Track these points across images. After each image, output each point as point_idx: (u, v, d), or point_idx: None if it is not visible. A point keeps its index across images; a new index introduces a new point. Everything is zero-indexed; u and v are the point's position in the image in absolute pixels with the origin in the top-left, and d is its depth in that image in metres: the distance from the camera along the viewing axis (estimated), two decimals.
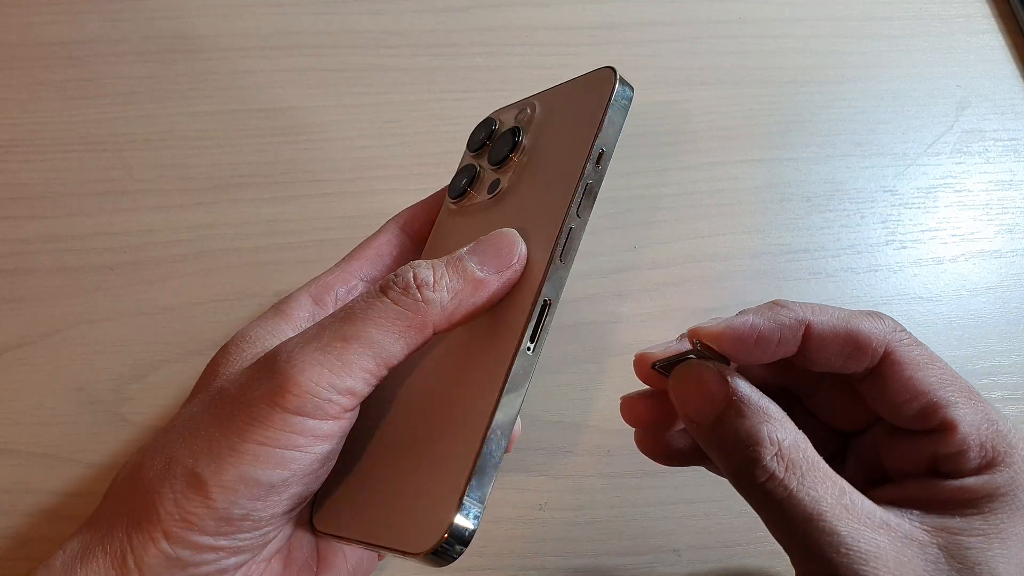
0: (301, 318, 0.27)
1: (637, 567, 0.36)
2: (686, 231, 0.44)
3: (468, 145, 0.29)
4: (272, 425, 0.21)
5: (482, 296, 0.23)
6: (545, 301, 0.23)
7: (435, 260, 0.24)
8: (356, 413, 0.23)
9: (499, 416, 0.22)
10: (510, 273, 0.24)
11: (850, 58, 0.49)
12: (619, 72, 0.24)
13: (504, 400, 0.22)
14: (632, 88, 0.25)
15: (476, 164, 0.28)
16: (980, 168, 0.47)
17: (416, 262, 0.24)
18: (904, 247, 0.44)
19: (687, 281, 0.42)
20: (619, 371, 0.40)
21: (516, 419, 0.22)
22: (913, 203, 0.45)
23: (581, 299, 0.42)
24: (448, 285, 0.23)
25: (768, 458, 0.21)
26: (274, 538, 0.24)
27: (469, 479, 0.21)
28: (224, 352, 0.26)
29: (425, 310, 0.23)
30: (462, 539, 0.21)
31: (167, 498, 0.22)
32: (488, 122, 0.29)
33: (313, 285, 0.28)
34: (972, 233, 0.45)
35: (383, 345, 0.22)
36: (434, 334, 0.23)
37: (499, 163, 0.27)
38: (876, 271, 0.43)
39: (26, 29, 0.47)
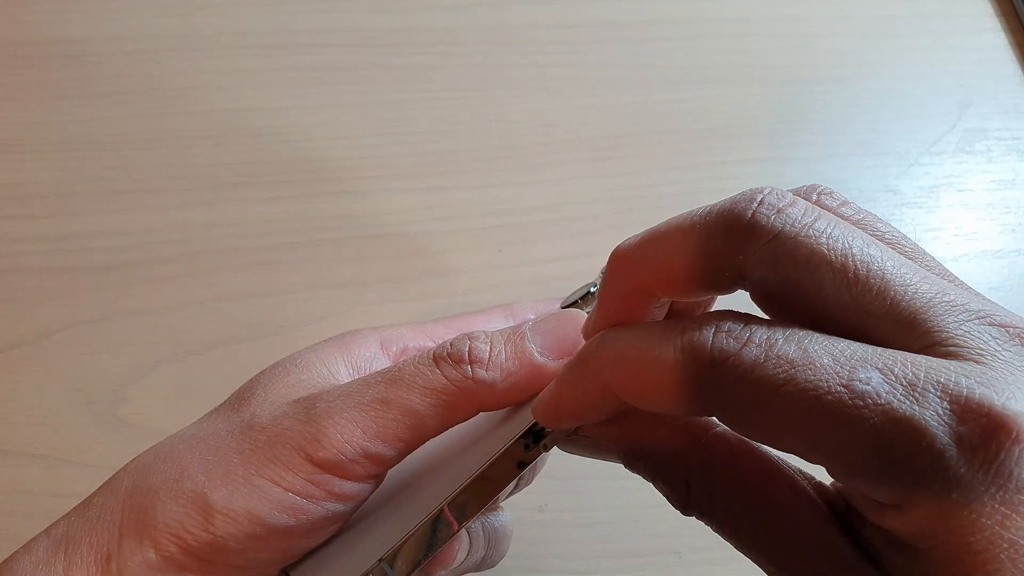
0: (362, 357, 0.26)
1: (638, 568, 0.35)
2: None
3: (561, 305, 0.29)
4: (292, 469, 0.21)
5: (538, 382, 0.22)
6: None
7: (495, 332, 0.23)
8: (381, 480, 0.23)
9: (458, 501, 0.20)
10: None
11: (852, 57, 0.49)
12: None
13: (470, 490, 0.20)
14: None
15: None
16: (983, 167, 0.46)
17: (476, 332, 0.23)
18: None
19: None
20: None
21: (477, 516, 0.20)
22: (915, 203, 0.45)
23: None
24: (503, 366, 0.22)
25: None
26: None
27: (397, 550, 0.20)
28: (272, 369, 0.25)
29: (474, 389, 0.22)
30: None
31: (169, 510, 0.21)
32: (586, 287, 0.29)
33: (386, 330, 0.28)
34: (974, 233, 0.44)
35: (422, 417, 0.21)
36: (480, 411, 0.22)
37: None
38: None
39: (24, 28, 0.47)
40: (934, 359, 0.14)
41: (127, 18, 0.48)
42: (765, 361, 0.15)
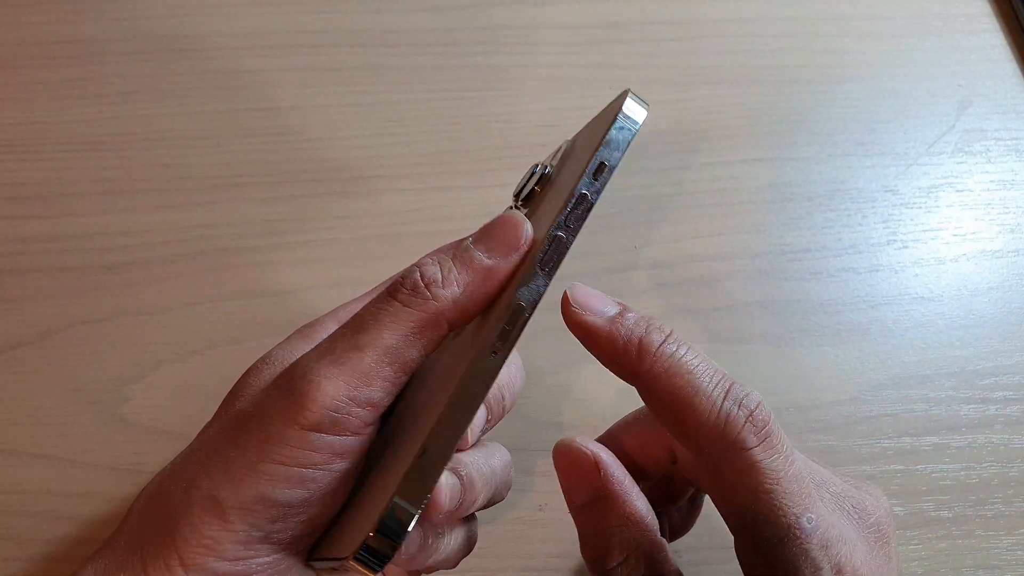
0: None
1: None
2: (686, 231, 0.43)
3: (513, 192, 0.30)
4: (289, 443, 0.21)
5: (493, 284, 0.23)
6: (519, 306, 0.22)
7: (440, 254, 0.23)
8: (376, 427, 0.23)
9: (447, 420, 0.21)
10: (518, 256, 0.23)
11: (851, 57, 0.49)
12: (633, 91, 0.24)
13: (454, 408, 0.21)
14: (646, 105, 0.24)
15: (513, 206, 0.29)
16: (981, 168, 0.46)
17: (422, 260, 0.23)
18: (905, 247, 0.44)
19: (687, 281, 0.42)
20: None
21: (466, 429, 0.21)
22: (914, 203, 0.45)
23: None
24: (457, 279, 0.22)
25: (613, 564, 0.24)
26: (290, 569, 0.23)
27: (402, 480, 0.20)
28: (246, 375, 0.26)
29: (437, 308, 0.22)
30: (386, 542, 0.20)
31: (185, 524, 0.21)
32: (531, 168, 0.29)
33: (339, 311, 0.28)
34: (973, 233, 0.45)
35: (399, 350, 0.22)
36: (450, 330, 0.23)
37: (527, 199, 0.27)
38: (877, 271, 0.43)
39: (24, 28, 0.47)
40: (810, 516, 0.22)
41: (127, 18, 0.48)
42: (761, 462, 0.22)
